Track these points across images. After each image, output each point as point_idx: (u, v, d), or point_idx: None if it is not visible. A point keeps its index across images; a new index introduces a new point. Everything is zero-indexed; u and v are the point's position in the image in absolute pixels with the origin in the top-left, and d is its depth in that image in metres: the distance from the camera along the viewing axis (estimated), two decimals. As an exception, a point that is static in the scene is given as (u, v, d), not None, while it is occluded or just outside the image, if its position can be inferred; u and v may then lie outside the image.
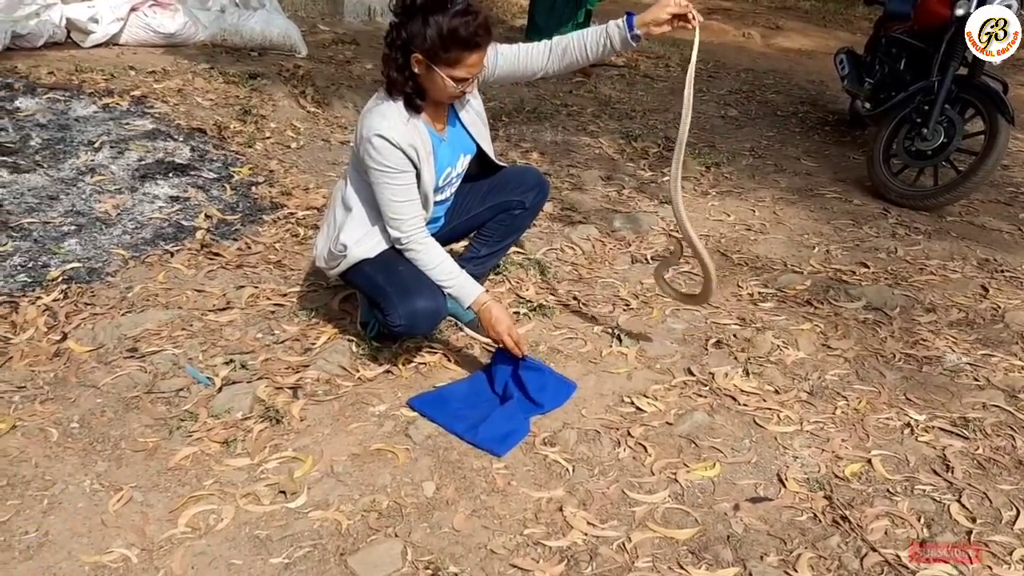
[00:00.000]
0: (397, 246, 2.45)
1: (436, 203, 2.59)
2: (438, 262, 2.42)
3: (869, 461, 2.35)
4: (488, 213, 2.81)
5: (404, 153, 2.31)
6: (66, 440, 2.20)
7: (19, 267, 2.92)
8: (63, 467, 2.10)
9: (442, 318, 2.53)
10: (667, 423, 2.46)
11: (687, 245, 2.56)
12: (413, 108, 2.35)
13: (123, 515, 1.97)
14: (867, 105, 5.21)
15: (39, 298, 2.76)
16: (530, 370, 2.50)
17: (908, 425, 2.53)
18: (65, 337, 2.60)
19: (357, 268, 2.52)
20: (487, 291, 2.46)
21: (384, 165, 2.31)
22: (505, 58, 2.51)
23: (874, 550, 2.01)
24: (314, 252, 2.66)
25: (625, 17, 2.40)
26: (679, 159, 2.43)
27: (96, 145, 3.88)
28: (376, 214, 2.48)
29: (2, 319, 2.64)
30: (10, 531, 1.89)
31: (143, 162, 3.83)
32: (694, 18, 2.34)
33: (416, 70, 2.27)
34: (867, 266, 3.67)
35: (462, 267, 2.83)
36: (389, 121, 2.30)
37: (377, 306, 2.51)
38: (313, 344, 2.70)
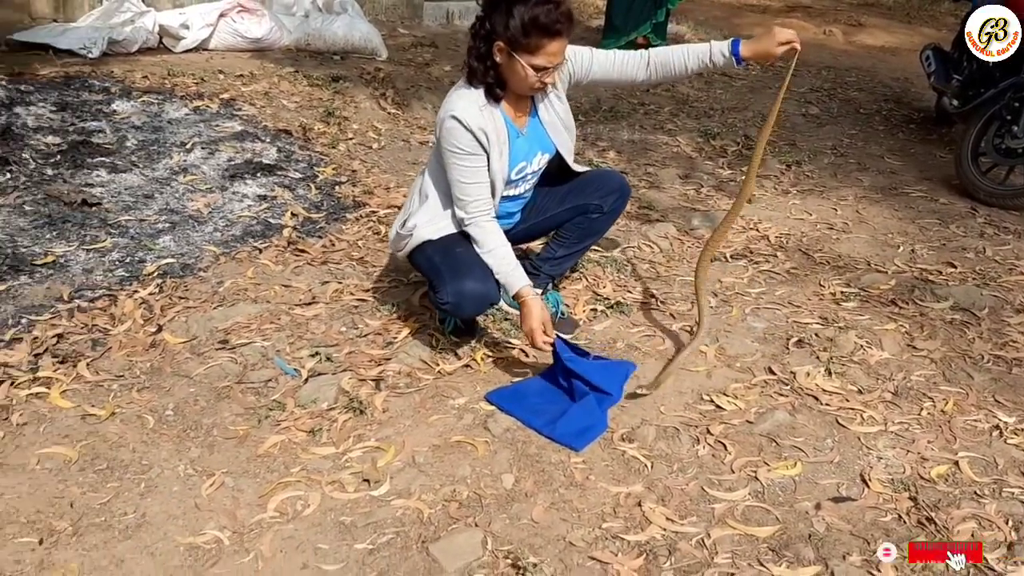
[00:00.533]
0: (462, 226, 2.49)
1: (508, 197, 2.62)
2: (494, 246, 2.45)
3: (956, 463, 2.30)
4: (566, 214, 2.82)
5: (474, 136, 2.36)
6: (161, 427, 2.30)
7: (117, 262, 3.06)
8: (159, 452, 2.20)
9: (490, 304, 2.55)
10: (747, 421, 2.44)
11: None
12: (493, 97, 2.40)
13: (215, 499, 2.05)
14: (955, 102, 5.07)
15: (136, 292, 2.89)
16: (575, 363, 2.47)
17: (997, 427, 2.46)
18: (160, 329, 2.71)
19: (420, 248, 2.57)
20: (532, 288, 2.46)
21: (455, 146, 2.37)
22: (599, 63, 2.54)
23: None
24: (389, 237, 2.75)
25: (731, 44, 2.43)
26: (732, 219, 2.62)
27: (188, 146, 4.03)
28: (446, 201, 2.54)
29: (102, 311, 2.77)
30: (111, 512, 1.99)
31: (232, 162, 3.96)
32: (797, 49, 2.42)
33: (497, 59, 2.32)
34: (954, 266, 3.58)
35: (538, 266, 2.86)
36: (464, 103, 2.36)
37: (431, 284, 2.56)
38: (395, 338, 2.76)
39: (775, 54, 2.40)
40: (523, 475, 2.18)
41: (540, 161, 2.65)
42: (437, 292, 2.48)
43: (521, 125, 2.52)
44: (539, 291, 2.78)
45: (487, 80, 2.37)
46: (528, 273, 2.81)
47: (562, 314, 2.94)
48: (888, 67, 7.89)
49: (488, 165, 2.44)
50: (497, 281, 2.46)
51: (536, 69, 2.29)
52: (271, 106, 4.74)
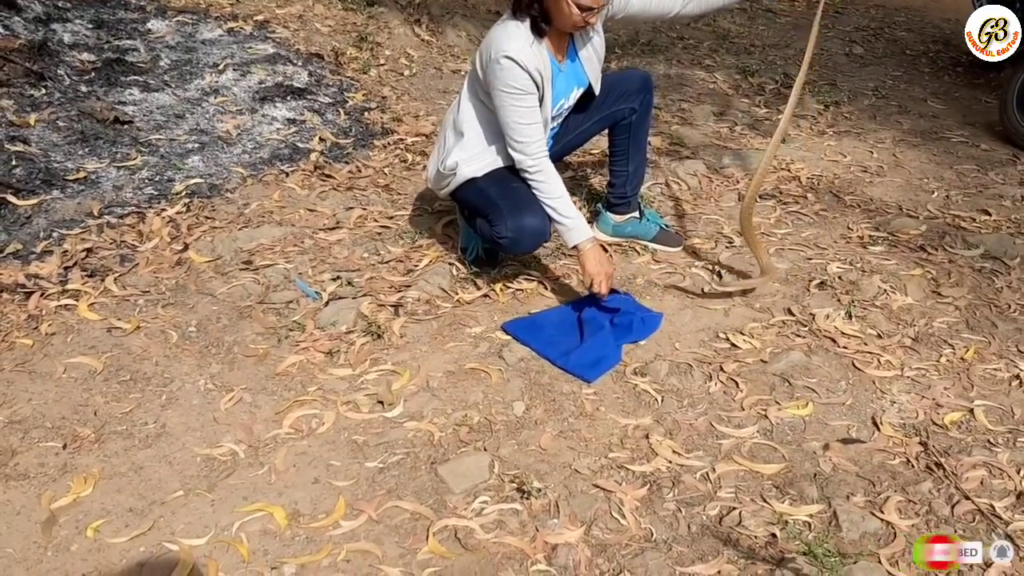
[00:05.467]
0: (521, 170, 2.45)
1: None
2: (559, 195, 2.43)
3: (971, 411, 2.29)
4: (596, 126, 2.80)
5: (530, 75, 2.32)
6: (184, 342, 2.35)
7: (147, 180, 3.10)
8: (180, 367, 2.26)
9: (544, 241, 2.55)
10: (761, 360, 2.44)
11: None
12: (537, 32, 2.34)
13: (233, 414, 2.11)
14: (1004, 44, 4.90)
15: (164, 210, 2.93)
16: (614, 305, 2.53)
17: (1017, 377, 2.44)
18: (186, 248, 2.76)
19: (470, 184, 2.55)
20: (594, 237, 2.49)
21: (511, 86, 2.33)
22: None
23: (967, 498, 1.97)
24: (425, 174, 2.73)
25: None
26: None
27: (220, 67, 4.03)
28: (488, 138, 2.51)
29: (130, 228, 2.82)
30: (132, 422, 2.06)
31: (263, 85, 3.96)
32: None
33: None
34: (989, 213, 3.50)
35: (624, 194, 2.92)
36: (517, 43, 2.31)
37: (485, 217, 2.53)
38: (416, 266, 2.78)
39: None
40: (534, 403, 2.22)
41: (575, 95, 2.62)
42: (494, 226, 2.46)
43: (560, 61, 2.49)
44: (634, 215, 2.97)
45: (532, 13, 2.31)
46: (618, 204, 2.91)
47: (666, 226, 3.05)
48: (940, 7, 7.62)
49: (540, 104, 2.41)
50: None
51: (581, 8, 2.24)
52: (304, 29, 4.71)
